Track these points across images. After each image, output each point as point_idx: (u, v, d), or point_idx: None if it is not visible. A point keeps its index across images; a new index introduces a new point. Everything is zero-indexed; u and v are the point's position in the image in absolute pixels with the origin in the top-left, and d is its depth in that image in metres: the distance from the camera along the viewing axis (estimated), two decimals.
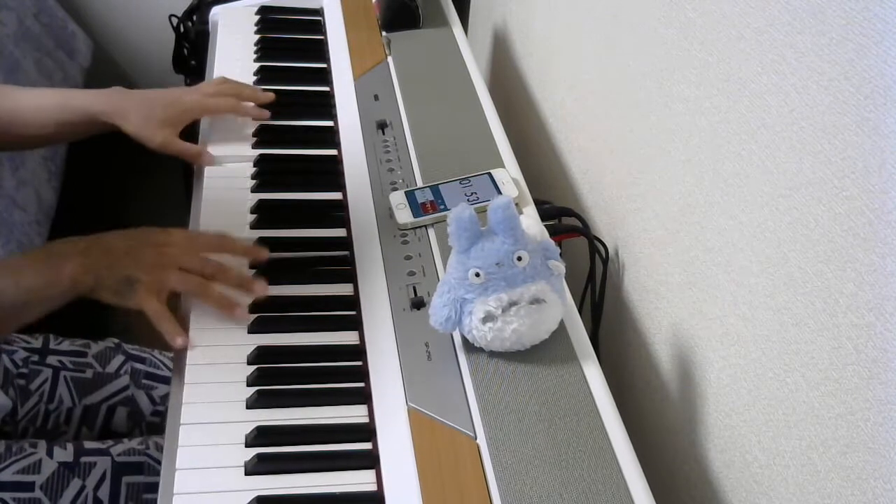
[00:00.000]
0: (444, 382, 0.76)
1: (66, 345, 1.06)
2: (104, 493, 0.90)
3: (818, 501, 0.67)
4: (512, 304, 0.73)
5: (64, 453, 0.91)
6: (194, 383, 0.76)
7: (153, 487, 0.81)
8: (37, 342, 1.05)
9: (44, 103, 0.98)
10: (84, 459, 0.91)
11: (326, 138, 1.09)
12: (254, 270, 0.88)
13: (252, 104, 1.08)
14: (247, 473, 0.69)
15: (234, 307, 0.82)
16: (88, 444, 0.93)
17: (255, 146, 1.06)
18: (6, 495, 0.87)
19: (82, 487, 0.89)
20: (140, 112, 0.99)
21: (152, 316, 0.80)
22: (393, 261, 0.88)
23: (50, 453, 0.90)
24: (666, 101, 0.88)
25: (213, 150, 1.04)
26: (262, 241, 0.92)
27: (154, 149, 1.00)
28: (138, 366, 1.05)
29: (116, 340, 1.10)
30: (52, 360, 1.03)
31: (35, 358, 1.02)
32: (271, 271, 0.88)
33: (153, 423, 1.03)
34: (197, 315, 0.83)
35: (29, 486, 0.87)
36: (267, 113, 1.08)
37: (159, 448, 0.93)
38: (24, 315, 0.79)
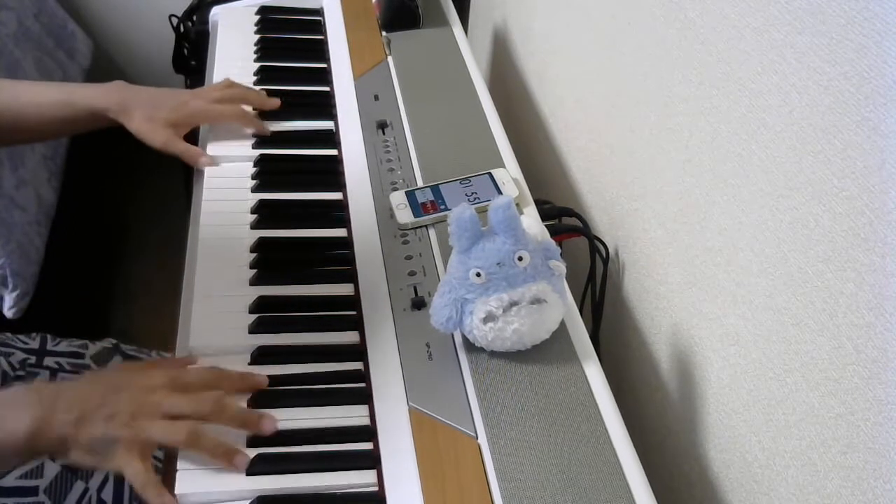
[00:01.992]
0: (444, 382, 0.76)
1: (63, 346, 1.06)
2: (107, 494, 0.89)
3: (818, 501, 0.67)
4: (513, 303, 0.74)
5: None
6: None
7: None
8: (34, 343, 1.04)
9: (46, 99, 0.98)
10: None
11: (326, 138, 1.09)
12: (255, 272, 0.88)
13: (256, 114, 1.07)
14: (248, 473, 0.70)
15: (233, 455, 0.70)
16: None
17: (255, 146, 1.06)
18: (10, 501, 0.86)
19: (85, 490, 0.89)
20: (145, 111, 0.99)
21: (134, 481, 0.67)
22: (393, 261, 0.89)
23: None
24: (666, 101, 0.88)
25: (214, 149, 1.04)
26: (263, 241, 0.92)
27: (156, 148, 1.00)
28: None
29: (114, 341, 1.10)
30: (49, 361, 1.03)
31: (32, 360, 1.02)
32: (271, 271, 0.88)
33: None
34: (198, 314, 0.83)
35: (32, 491, 0.87)
36: (269, 130, 1.07)
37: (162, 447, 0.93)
38: None
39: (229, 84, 1.09)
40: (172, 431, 0.69)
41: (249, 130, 1.06)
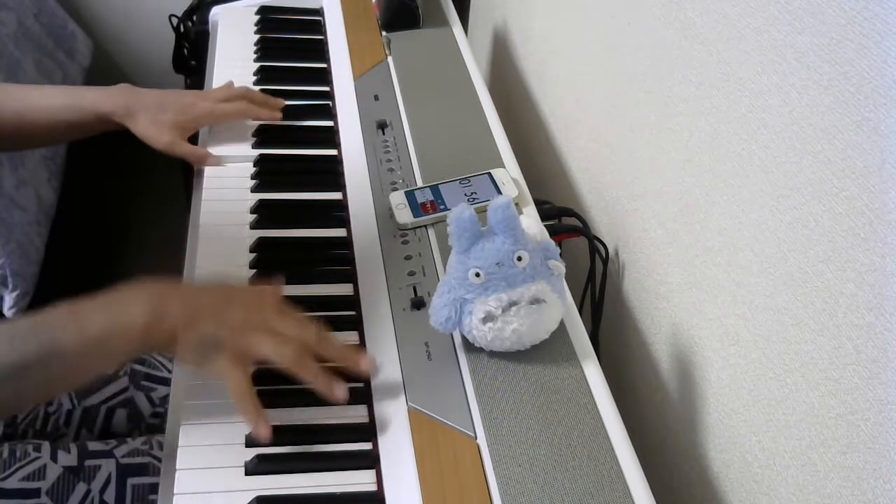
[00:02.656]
0: (444, 382, 0.76)
1: None
2: (110, 496, 0.89)
3: (818, 501, 0.67)
4: (512, 304, 0.73)
5: (68, 457, 0.91)
6: (194, 383, 0.76)
7: (159, 488, 0.80)
8: None
9: (53, 103, 0.98)
10: (88, 463, 0.91)
11: (326, 138, 1.09)
12: (255, 272, 0.88)
13: (263, 109, 1.08)
14: (247, 473, 0.69)
15: (335, 385, 0.71)
16: (92, 446, 0.93)
17: (255, 146, 1.06)
18: (12, 503, 0.86)
19: (88, 491, 0.89)
20: (149, 114, 0.99)
21: (234, 390, 0.69)
22: (393, 261, 0.88)
23: (54, 457, 0.90)
24: (666, 101, 0.88)
25: (214, 150, 1.04)
26: (263, 241, 0.92)
27: (161, 151, 1.00)
28: (138, 367, 1.05)
29: None
30: None
31: None
32: (271, 271, 0.88)
33: (153, 424, 1.03)
34: None
35: (35, 493, 0.87)
36: (279, 114, 1.08)
37: (163, 447, 0.93)
38: (87, 370, 0.69)
39: (231, 86, 1.09)
40: (281, 348, 0.70)
41: (260, 117, 1.07)
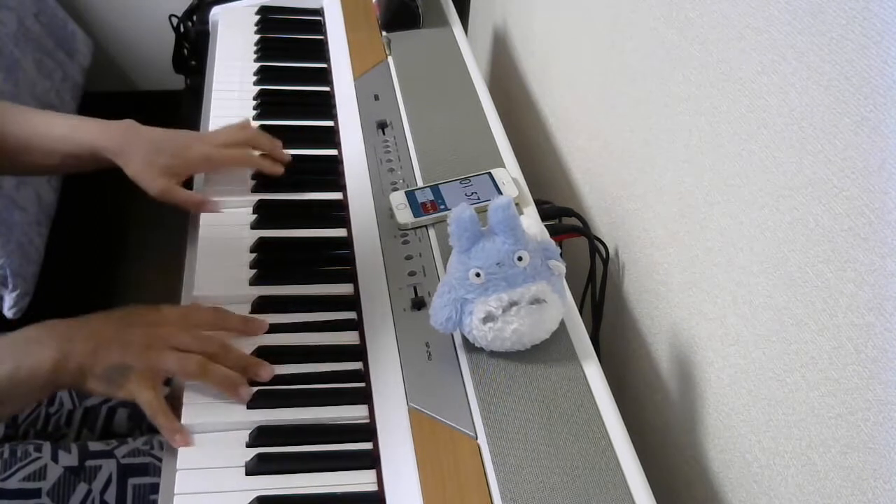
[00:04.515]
0: (444, 382, 0.76)
1: None
2: (111, 496, 0.89)
3: (818, 501, 0.67)
4: (512, 304, 0.73)
5: (69, 457, 0.91)
6: (194, 383, 0.76)
7: (159, 488, 0.80)
8: None
9: (52, 130, 0.94)
10: (89, 463, 0.91)
11: (326, 138, 1.09)
12: (255, 272, 0.88)
13: (264, 160, 1.01)
14: (247, 473, 0.70)
15: (238, 387, 0.75)
16: (93, 447, 0.93)
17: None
18: (13, 503, 0.86)
19: (89, 492, 0.89)
20: (144, 157, 0.94)
21: (147, 408, 0.73)
22: (393, 261, 0.88)
23: (55, 458, 0.90)
24: (666, 101, 0.88)
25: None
26: (263, 241, 0.92)
27: (152, 196, 0.95)
28: None
29: None
30: None
31: None
32: (271, 271, 0.88)
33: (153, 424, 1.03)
34: None
35: (35, 493, 0.87)
36: (281, 168, 1.00)
37: (164, 447, 0.93)
38: None
39: (241, 128, 1.02)
40: (184, 362, 0.74)
41: (261, 169, 1.00)
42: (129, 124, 0.96)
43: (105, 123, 0.96)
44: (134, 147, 0.94)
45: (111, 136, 0.94)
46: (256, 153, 1.01)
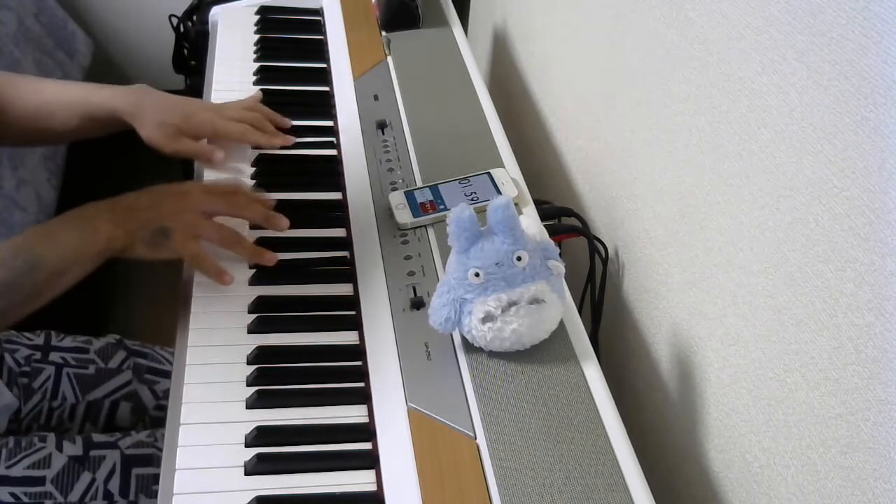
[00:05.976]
0: (443, 382, 0.76)
1: (67, 341, 1.06)
2: (114, 485, 0.90)
3: (818, 501, 0.67)
4: (511, 304, 0.73)
5: (73, 447, 0.91)
6: (194, 383, 0.76)
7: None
8: (38, 339, 1.05)
9: (68, 96, 0.98)
10: (93, 453, 0.91)
11: (326, 138, 1.08)
12: (254, 272, 0.88)
13: (262, 135, 1.04)
14: (247, 473, 0.70)
15: (265, 254, 0.86)
16: (97, 438, 0.94)
17: (253, 146, 1.05)
18: (18, 490, 0.87)
19: (92, 480, 0.89)
20: (156, 117, 0.98)
21: (193, 259, 0.83)
22: (393, 261, 0.88)
23: (59, 447, 0.91)
24: (666, 101, 0.88)
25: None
26: (263, 241, 0.92)
27: (165, 153, 0.99)
28: (140, 361, 1.05)
29: (118, 336, 1.10)
30: (54, 356, 1.03)
31: (37, 355, 1.02)
32: (270, 271, 0.88)
33: (157, 417, 1.03)
34: (196, 314, 0.83)
35: (40, 481, 0.87)
36: (278, 142, 1.04)
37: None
38: (64, 279, 0.79)
39: (250, 107, 1.06)
40: (216, 228, 0.85)
41: (261, 144, 1.04)
42: (142, 88, 1.01)
43: (118, 88, 1.00)
44: (147, 108, 0.99)
45: (126, 98, 0.99)
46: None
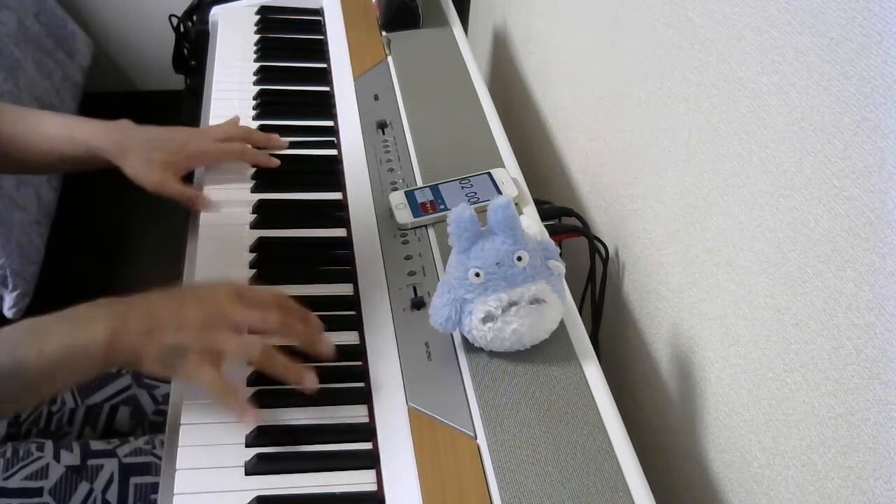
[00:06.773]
0: (444, 382, 0.76)
1: None
2: (112, 495, 0.89)
3: (818, 501, 0.67)
4: (512, 304, 0.73)
5: (71, 456, 0.91)
6: (194, 383, 0.76)
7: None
8: None
9: (48, 130, 0.94)
10: (91, 462, 0.91)
11: (326, 138, 1.09)
12: (255, 272, 0.88)
13: (260, 152, 1.02)
14: (247, 473, 0.70)
15: (304, 374, 0.72)
16: (95, 446, 0.93)
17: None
18: (15, 501, 0.86)
19: (90, 491, 0.89)
20: (141, 154, 0.94)
21: (210, 390, 0.70)
22: (393, 261, 0.88)
23: (57, 457, 0.90)
24: (666, 101, 0.88)
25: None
26: (263, 241, 0.92)
27: (150, 191, 0.95)
28: None
29: None
30: None
31: None
32: (271, 271, 0.88)
33: (156, 422, 1.03)
34: None
35: (37, 492, 0.87)
36: (276, 161, 1.01)
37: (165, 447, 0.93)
38: (46, 388, 0.70)
39: (234, 124, 1.04)
40: (246, 347, 0.71)
41: (258, 163, 1.01)
42: (124, 124, 0.97)
43: (101, 124, 0.96)
44: (131, 146, 0.94)
45: (108, 136, 0.95)
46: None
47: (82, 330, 0.68)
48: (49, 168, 0.98)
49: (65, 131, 0.94)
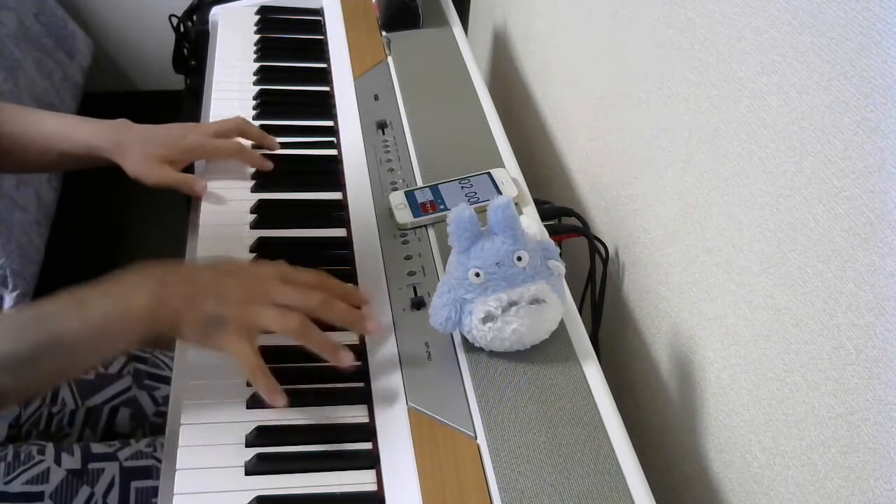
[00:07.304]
0: (444, 382, 0.76)
1: None
2: (113, 499, 0.89)
3: (818, 501, 0.67)
4: (512, 304, 0.73)
5: (72, 460, 0.91)
6: (195, 383, 0.76)
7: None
8: None
9: (47, 129, 0.95)
10: (92, 466, 0.91)
11: (326, 138, 1.09)
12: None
13: (257, 152, 1.02)
14: (247, 473, 0.70)
15: (339, 350, 0.72)
16: (96, 449, 0.93)
17: (253, 147, 1.05)
18: None
19: (91, 495, 0.89)
20: (139, 150, 0.95)
21: (243, 364, 0.70)
22: (393, 261, 0.88)
23: (58, 460, 0.90)
24: (666, 101, 0.88)
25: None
26: (263, 241, 0.92)
27: (150, 185, 0.96)
28: (140, 366, 1.05)
29: None
30: None
31: None
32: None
33: (156, 423, 1.03)
34: None
35: (38, 496, 0.87)
36: (270, 164, 1.01)
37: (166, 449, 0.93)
38: (91, 357, 0.70)
39: (232, 118, 1.04)
40: (285, 319, 0.71)
41: (248, 167, 1.01)
42: (122, 122, 0.98)
43: (99, 123, 0.97)
44: (129, 143, 0.95)
45: (106, 134, 0.96)
46: (248, 143, 1.03)
47: (125, 297, 0.68)
48: (48, 167, 0.98)
49: (64, 130, 0.95)
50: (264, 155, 1.02)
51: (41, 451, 0.91)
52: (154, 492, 0.91)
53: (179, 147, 0.98)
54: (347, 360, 0.72)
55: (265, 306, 0.71)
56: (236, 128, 1.02)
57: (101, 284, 0.69)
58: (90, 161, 0.97)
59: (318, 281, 0.76)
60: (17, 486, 0.87)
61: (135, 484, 0.91)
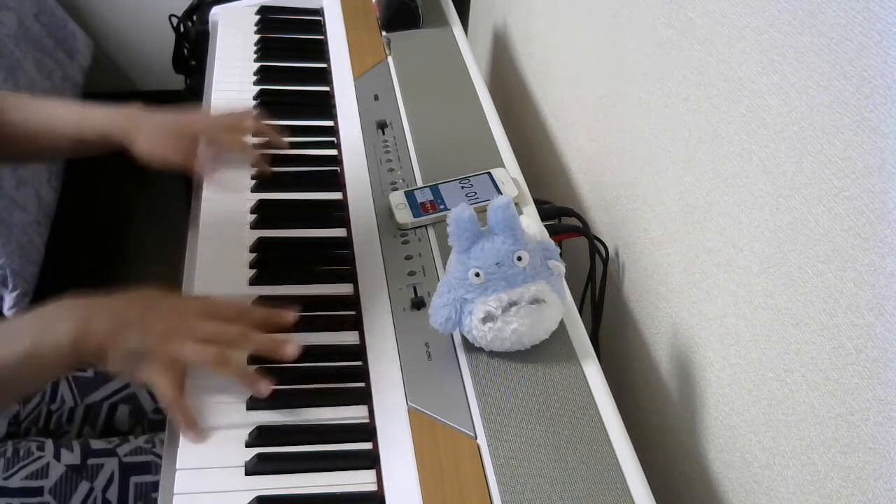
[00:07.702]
0: (444, 382, 0.76)
1: None
2: (112, 494, 0.90)
3: (818, 501, 0.67)
4: (512, 304, 0.73)
5: (71, 455, 0.91)
6: (195, 383, 0.76)
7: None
8: None
9: (59, 117, 0.96)
10: (91, 461, 0.91)
11: (326, 138, 1.09)
12: (255, 272, 0.88)
13: (261, 153, 1.02)
14: (247, 473, 0.70)
15: (257, 380, 0.74)
16: (95, 445, 0.93)
17: (254, 146, 1.05)
18: (16, 501, 0.87)
19: (90, 490, 0.89)
20: (151, 136, 0.96)
21: (163, 398, 0.72)
22: (393, 261, 0.88)
23: (57, 456, 0.90)
24: (666, 101, 0.88)
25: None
26: (263, 241, 0.92)
27: (157, 165, 0.96)
28: None
29: None
30: None
31: None
32: (271, 271, 0.88)
33: (155, 420, 1.03)
34: None
35: (38, 492, 0.87)
36: (271, 170, 1.01)
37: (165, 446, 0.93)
38: (16, 387, 0.72)
39: (246, 114, 1.04)
40: (202, 352, 0.73)
41: (250, 168, 1.02)
42: (135, 107, 0.99)
43: (112, 109, 0.98)
44: (141, 129, 0.96)
45: (119, 120, 0.97)
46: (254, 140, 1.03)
47: (49, 329, 0.70)
48: (61, 153, 0.99)
49: (76, 118, 0.97)
50: (269, 156, 1.03)
51: (40, 447, 0.91)
52: (153, 487, 0.91)
53: (189, 135, 0.98)
54: (265, 390, 0.74)
55: (185, 341, 0.73)
56: (249, 126, 1.03)
57: (28, 315, 0.71)
58: (102, 146, 0.98)
59: (238, 314, 0.78)
60: (16, 482, 0.87)
61: (134, 479, 0.91)
